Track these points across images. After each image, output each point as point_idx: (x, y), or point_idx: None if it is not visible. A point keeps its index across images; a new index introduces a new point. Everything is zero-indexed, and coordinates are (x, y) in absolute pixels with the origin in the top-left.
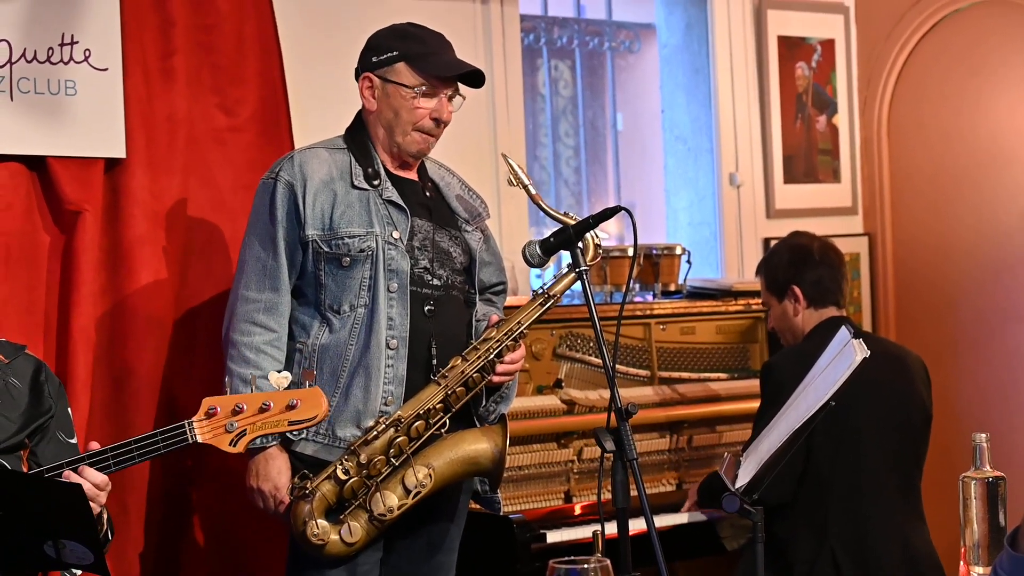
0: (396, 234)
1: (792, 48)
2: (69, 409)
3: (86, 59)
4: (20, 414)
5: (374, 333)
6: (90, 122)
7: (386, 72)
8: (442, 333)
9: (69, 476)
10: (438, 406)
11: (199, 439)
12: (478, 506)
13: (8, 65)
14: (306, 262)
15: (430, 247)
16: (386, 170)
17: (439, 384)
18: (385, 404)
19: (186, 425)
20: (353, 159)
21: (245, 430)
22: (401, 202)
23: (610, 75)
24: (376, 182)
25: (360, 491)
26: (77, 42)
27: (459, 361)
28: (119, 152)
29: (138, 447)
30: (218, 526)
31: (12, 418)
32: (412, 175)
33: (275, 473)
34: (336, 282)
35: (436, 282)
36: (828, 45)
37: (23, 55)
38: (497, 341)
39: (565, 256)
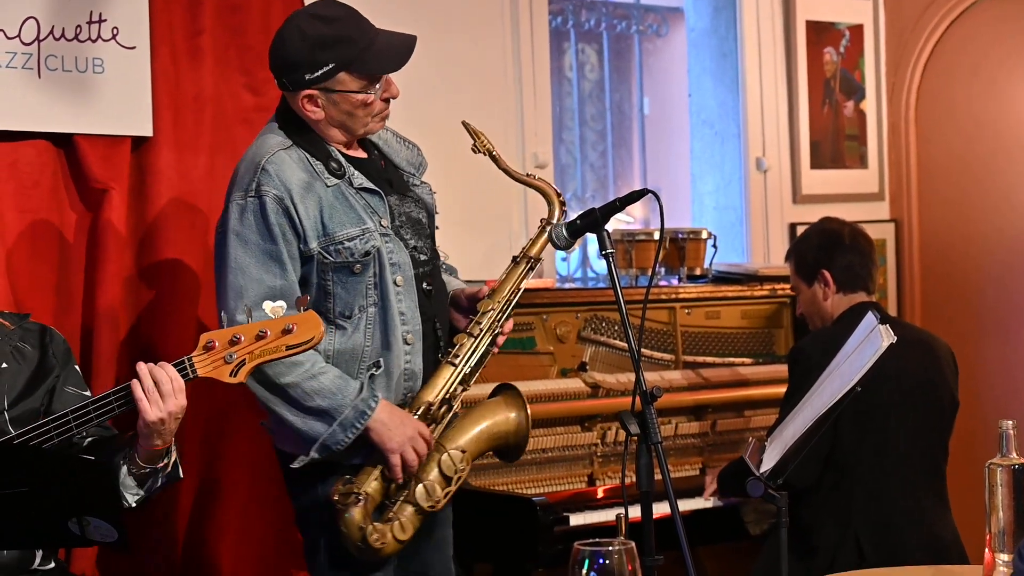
0: (384, 222)
1: (820, 33)
2: (76, 367)
3: (114, 37)
4: (29, 375)
5: (391, 331)
6: (117, 100)
7: (328, 84)
8: (440, 309)
9: (155, 367)
10: (458, 388)
11: (199, 373)
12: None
13: (36, 42)
14: (310, 274)
15: (407, 222)
16: (342, 155)
17: (454, 365)
18: (404, 400)
19: (185, 361)
20: (308, 155)
21: (244, 359)
22: (373, 186)
23: (637, 59)
24: (340, 172)
25: (401, 487)
26: (105, 20)
27: (466, 338)
28: (146, 130)
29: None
30: (241, 509)
31: (22, 379)
32: (360, 152)
33: (402, 417)
34: (346, 289)
35: (423, 258)
36: (856, 30)
37: (51, 32)
38: (498, 312)
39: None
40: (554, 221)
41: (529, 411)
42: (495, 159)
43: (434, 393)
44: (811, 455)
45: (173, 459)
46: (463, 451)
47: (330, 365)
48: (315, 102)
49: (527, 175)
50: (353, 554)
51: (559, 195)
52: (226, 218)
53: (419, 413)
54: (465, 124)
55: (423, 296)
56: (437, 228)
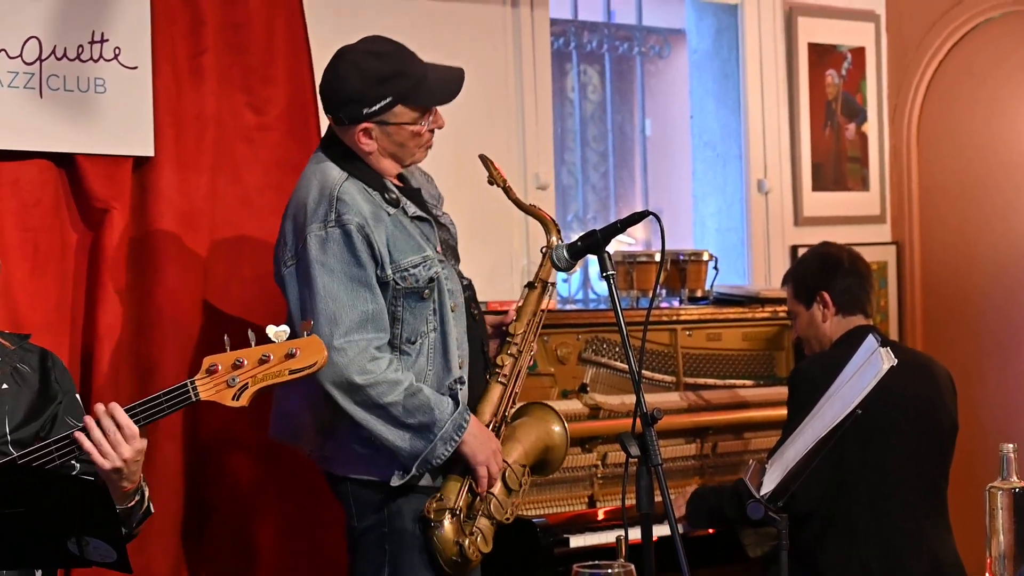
0: (438, 249)
1: (822, 55)
2: (77, 396)
3: (116, 57)
4: (32, 399)
5: (449, 355)
6: (119, 120)
7: (385, 118)
8: (484, 336)
9: (97, 413)
10: (509, 403)
11: (201, 397)
12: None
13: (38, 62)
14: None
15: (447, 249)
16: (392, 186)
17: (503, 384)
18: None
19: (188, 384)
20: (365, 185)
21: (247, 383)
22: (424, 214)
23: (639, 80)
24: (396, 201)
25: (479, 500)
26: (107, 40)
27: (508, 359)
28: (147, 150)
29: (142, 408)
30: (238, 526)
31: (24, 402)
32: (399, 183)
33: (487, 433)
34: (414, 315)
35: (465, 283)
36: (858, 53)
37: (53, 52)
38: (528, 332)
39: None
40: (551, 246)
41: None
42: (507, 191)
43: (491, 411)
44: (814, 478)
45: (146, 495)
46: (523, 465)
47: (423, 384)
48: (369, 135)
49: (531, 205)
50: (447, 570)
51: (555, 225)
52: (306, 251)
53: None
54: (482, 157)
55: (472, 320)
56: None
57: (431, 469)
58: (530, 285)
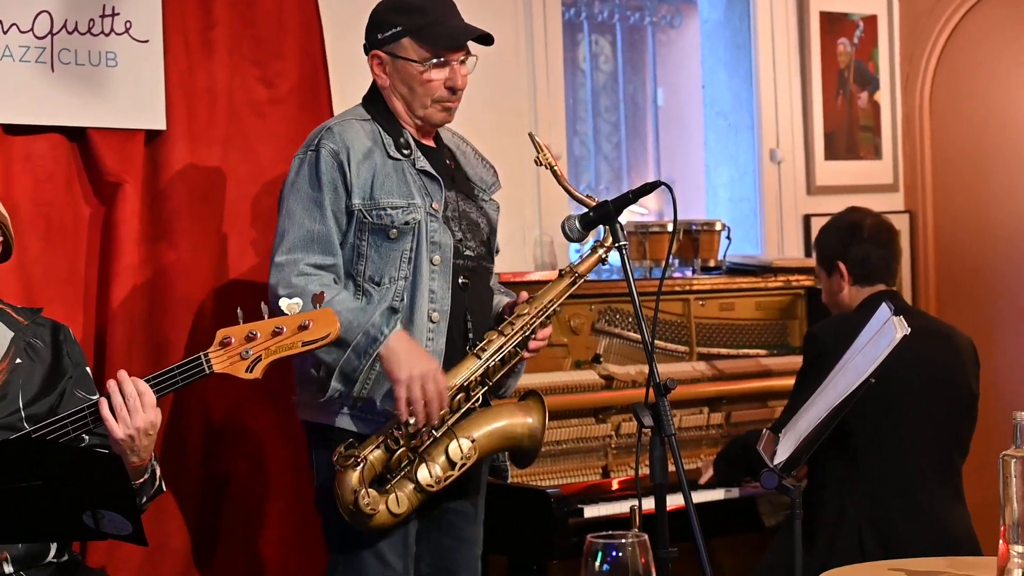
0: (436, 205)
1: (834, 24)
2: (88, 369)
3: (127, 31)
4: (45, 373)
5: (416, 306)
6: (131, 94)
7: (393, 48)
8: (475, 306)
9: (120, 379)
10: (478, 379)
11: (215, 369)
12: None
13: (49, 36)
14: (348, 232)
15: (461, 218)
16: (413, 139)
17: (479, 357)
18: None
19: (202, 356)
20: (381, 129)
21: (260, 356)
22: (434, 172)
23: (651, 50)
24: (407, 151)
25: (404, 461)
26: (118, 14)
27: (496, 336)
28: (159, 124)
29: (156, 381)
30: (254, 502)
31: (37, 376)
32: (431, 143)
33: (419, 354)
34: (380, 254)
35: (469, 254)
36: (870, 21)
37: (64, 26)
38: (533, 318)
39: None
40: (607, 244)
41: (547, 420)
42: (556, 175)
43: (453, 380)
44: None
45: (156, 474)
46: (472, 440)
47: (348, 294)
48: (383, 66)
49: (587, 196)
50: (345, 518)
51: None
52: (288, 175)
53: None
54: (531, 136)
55: (457, 288)
56: (497, 251)
57: (359, 391)
58: (560, 272)
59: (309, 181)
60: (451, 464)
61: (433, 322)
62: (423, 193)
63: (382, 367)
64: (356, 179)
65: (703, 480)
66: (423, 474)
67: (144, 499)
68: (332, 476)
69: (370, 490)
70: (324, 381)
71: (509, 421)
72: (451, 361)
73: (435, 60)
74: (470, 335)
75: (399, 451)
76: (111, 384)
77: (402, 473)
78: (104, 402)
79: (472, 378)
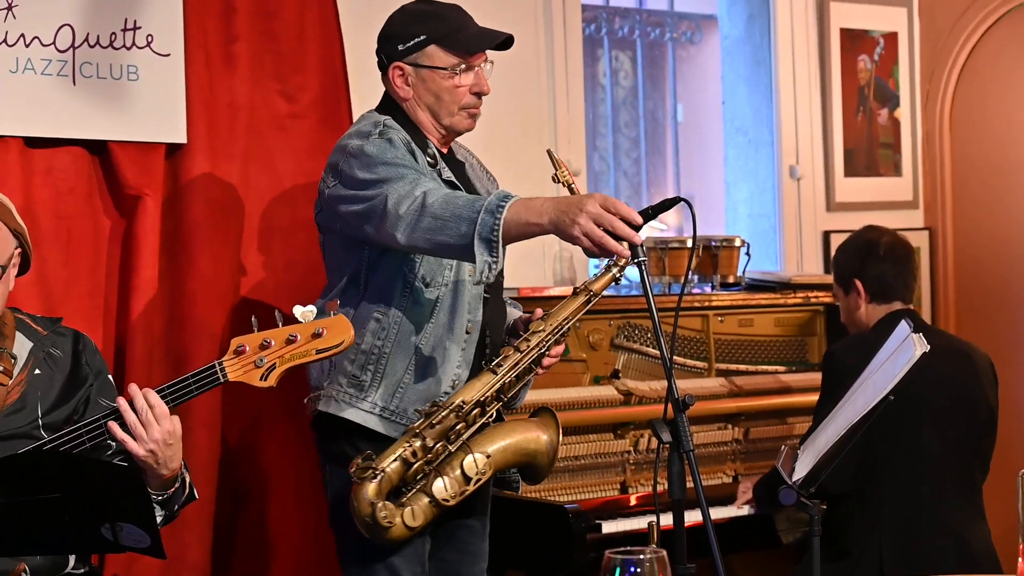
0: None
1: (855, 41)
2: (110, 376)
3: (148, 44)
4: (63, 383)
5: (457, 316)
6: (152, 107)
7: (417, 58)
8: (495, 320)
9: (133, 394)
10: (493, 394)
11: (230, 377)
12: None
13: (71, 50)
14: None
15: None
16: (437, 150)
17: (495, 373)
18: (451, 387)
19: (216, 365)
20: (409, 138)
21: (275, 364)
22: (458, 183)
23: (671, 66)
24: (433, 162)
25: (420, 475)
26: (140, 27)
27: (512, 352)
28: (180, 137)
29: (172, 389)
30: (271, 514)
31: (56, 386)
32: (446, 153)
33: (564, 198)
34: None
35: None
36: (891, 38)
37: (86, 40)
38: (548, 335)
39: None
40: (621, 263)
41: (561, 437)
42: (572, 192)
43: (470, 394)
44: (845, 462)
45: (187, 482)
46: (488, 456)
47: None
48: (405, 78)
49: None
50: (360, 531)
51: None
52: (345, 157)
53: (450, 409)
54: (549, 153)
55: (483, 300)
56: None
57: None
58: (575, 291)
59: (381, 148)
60: (466, 479)
61: (468, 333)
62: None
63: (530, 227)
64: (420, 167)
65: (739, 502)
66: (438, 488)
67: (176, 507)
68: (346, 491)
69: (387, 503)
70: (357, 375)
71: (523, 436)
72: (472, 373)
73: (463, 66)
74: (487, 350)
75: (416, 464)
76: (121, 401)
77: (418, 487)
78: (115, 425)
79: (488, 393)
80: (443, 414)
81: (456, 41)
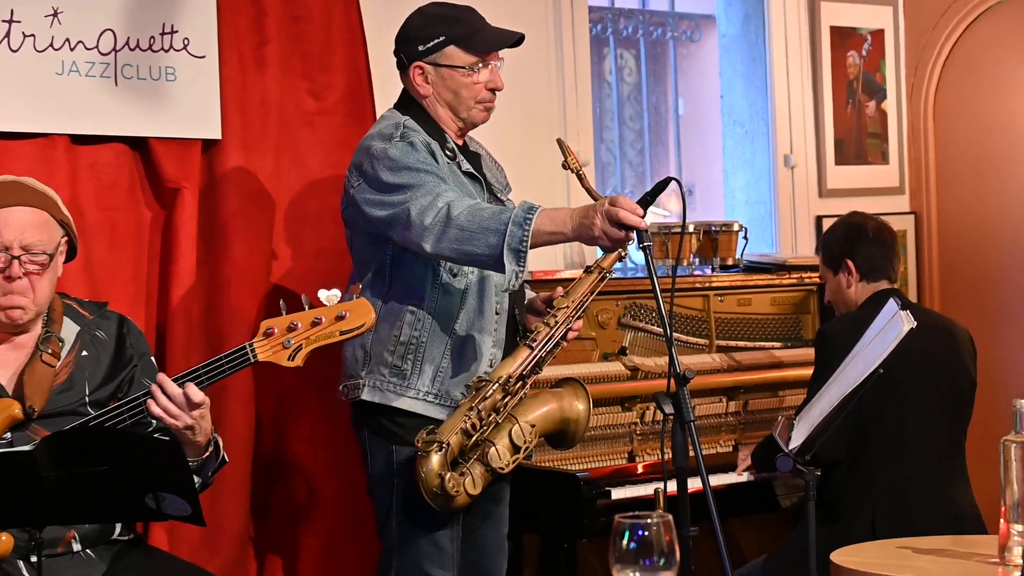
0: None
1: (844, 38)
2: (152, 358)
3: (185, 47)
4: (109, 363)
5: (486, 300)
6: (188, 106)
7: (436, 58)
8: (518, 300)
9: (164, 383)
10: (532, 367)
11: (259, 358)
12: None
13: (113, 53)
14: None
15: None
16: (454, 143)
17: (531, 348)
18: (490, 366)
19: (247, 347)
20: (426, 135)
21: (301, 345)
22: (476, 173)
23: (672, 63)
24: (452, 155)
25: (475, 445)
26: (176, 31)
27: (542, 327)
28: (215, 134)
29: (206, 370)
30: (303, 482)
31: (102, 366)
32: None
33: (580, 207)
34: None
35: None
36: (878, 35)
37: (127, 43)
38: (573, 310)
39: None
40: (645, 242)
41: (591, 406)
42: (581, 179)
43: (512, 368)
44: (838, 432)
45: (220, 444)
46: (533, 425)
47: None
48: (425, 76)
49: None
50: (427, 501)
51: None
52: (371, 159)
53: (499, 383)
54: (559, 142)
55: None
56: None
57: (521, 261)
58: (588, 269)
59: (415, 156)
60: (515, 448)
61: (498, 314)
62: (471, 194)
63: (550, 236)
64: (440, 171)
65: (740, 468)
66: (493, 456)
67: (211, 472)
68: (387, 466)
69: (453, 473)
70: (399, 364)
71: (560, 404)
72: (505, 351)
73: (480, 64)
74: (520, 327)
75: (475, 435)
76: (154, 389)
77: (474, 457)
78: (152, 404)
79: (528, 366)
80: (492, 388)
81: (474, 41)
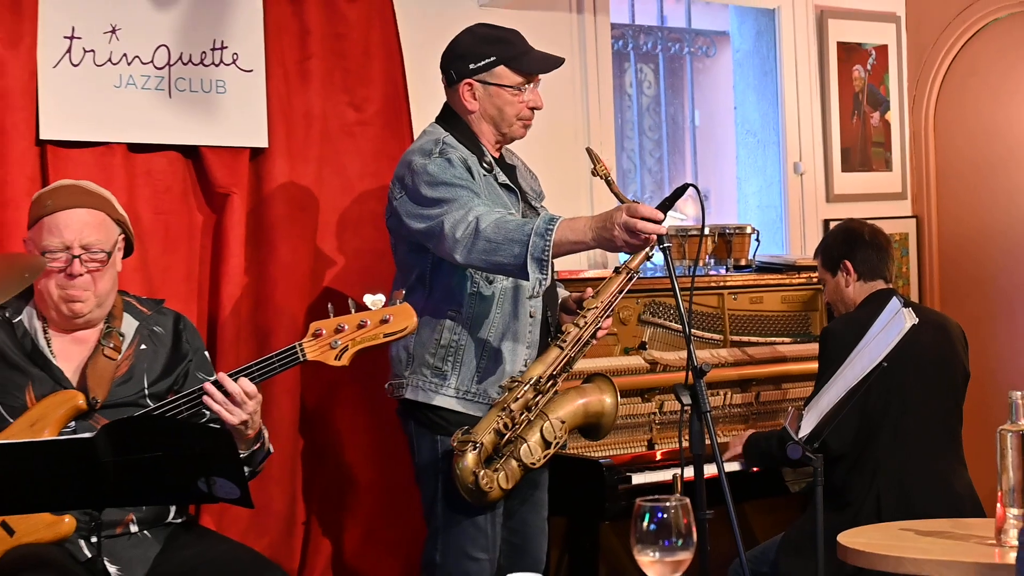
0: (515, 214)
1: (850, 53)
2: (206, 353)
3: (234, 62)
4: (166, 357)
5: (520, 304)
6: (237, 116)
7: (486, 76)
8: (551, 302)
9: (224, 382)
10: (562, 367)
11: (308, 357)
12: None
13: (167, 67)
14: None
15: None
16: (492, 157)
17: (560, 348)
18: (524, 366)
19: (297, 347)
20: (465, 148)
21: (347, 346)
22: (512, 184)
23: (689, 77)
24: (488, 167)
25: (508, 443)
26: (226, 47)
27: (572, 327)
28: (262, 143)
29: (258, 368)
30: (345, 468)
31: (160, 360)
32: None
33: (597, 216)
34: None
35: None
36: (882, 50)
37: (180, 58)
38: (602, 310)
39: None
40: (664, 243)
41: (619, 399)
42: (610, 183)
43: (543, 368)
44: (844, 424)
45: (266, 438)
46: (563, 421)
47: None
48: (473, 93)
49: (633, 201)
50: (463, 495)
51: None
52: (412, 173)
53: (530, 384)
54: (589, 150)
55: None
56: None
57: (544, 269)
58: (616, 270)
59: (452, 173)
60: (547, 443)
61: (532, 317)
62: (506, 205)
63: (572, 246)
64: (474, 186)
65: (727, 457)
66: (525, 452)
67: (258, 462)
68: (433, 455)
69: (487, 470)
70: (439, 366)
71: (589, 400)
72: (539, 351)
73: (526, 84)
74: (551, 328)
75: (507, 434)
76: (208, 387)
77: (508, 453)
78: (209, 399)
79: (559, 366)
80: (524, 388)
81: (522, 63)
